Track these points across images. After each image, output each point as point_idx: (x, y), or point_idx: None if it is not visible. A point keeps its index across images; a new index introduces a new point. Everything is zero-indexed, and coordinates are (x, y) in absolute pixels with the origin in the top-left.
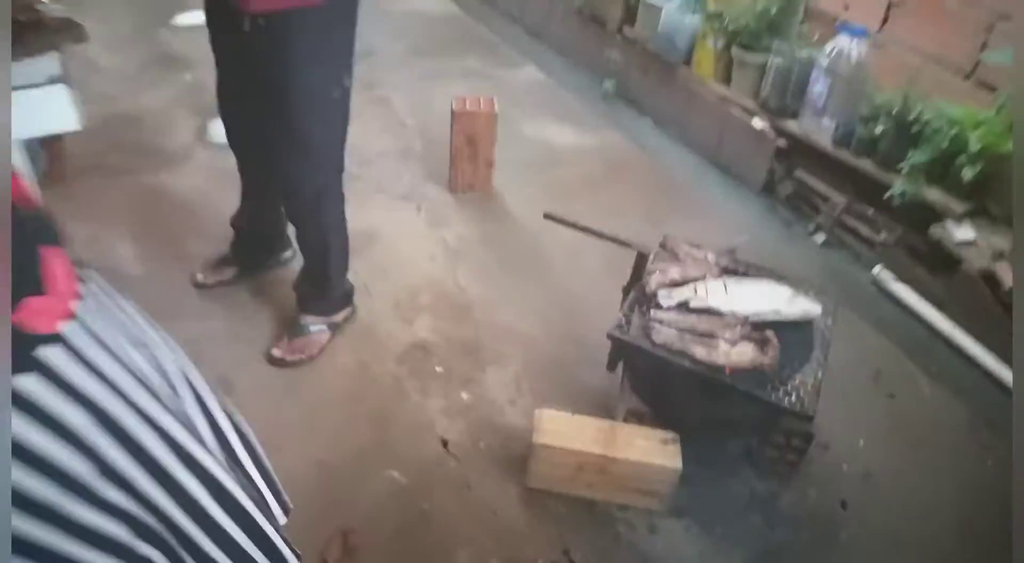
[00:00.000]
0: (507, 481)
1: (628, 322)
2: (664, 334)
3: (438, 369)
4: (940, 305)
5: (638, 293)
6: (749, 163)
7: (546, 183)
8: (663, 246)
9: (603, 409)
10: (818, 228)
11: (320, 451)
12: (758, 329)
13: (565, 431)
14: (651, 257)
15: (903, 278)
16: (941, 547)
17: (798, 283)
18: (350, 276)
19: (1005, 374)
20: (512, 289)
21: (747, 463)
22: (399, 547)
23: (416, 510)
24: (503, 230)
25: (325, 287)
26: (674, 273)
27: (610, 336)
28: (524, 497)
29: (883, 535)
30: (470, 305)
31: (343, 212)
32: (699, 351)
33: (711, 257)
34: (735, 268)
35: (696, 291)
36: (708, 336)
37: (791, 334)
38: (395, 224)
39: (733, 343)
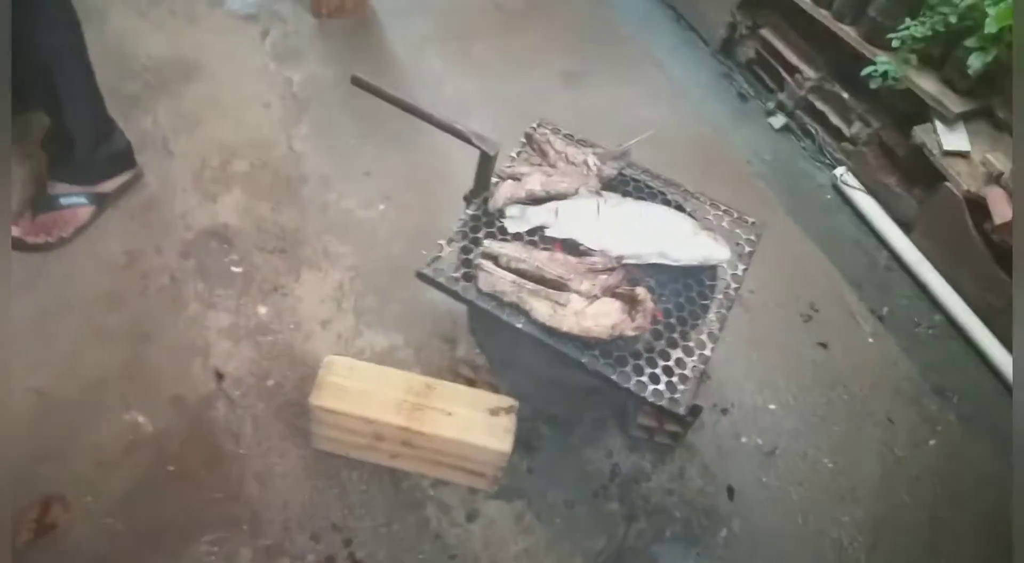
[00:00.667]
0: (291, 439)
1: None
2: (493, 280)
3: (235, 269)
4: (908, 228)
5: (478, 210)
6: (708, 11)
7: (443, 12)
8: (529, 139)
9: (448, 343)
10: (779, 108)
11: (44, 376)
12: (631, 279)
13: (359, 388)
14: (514, 155)
15: (869, 187)
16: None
17: (711, 209)
18: (147, 124)
19: (974, 325)
20: (365, 161)
21: (614, 427)
22: (123, 524)
23: (159, 472)
24: (373, 74)
25: (73, 148)
26: (534, 183)
27: (420, 276)
28: (309, 463)
29: (772, 540)
30: (302, 179)
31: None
32: (540, 308)
33: (593, 161)
34: (623, 182)
35: (558, 213)
36: (558, 285)
37: (681, 285)
38: (226, 54)
39: (590, 298)
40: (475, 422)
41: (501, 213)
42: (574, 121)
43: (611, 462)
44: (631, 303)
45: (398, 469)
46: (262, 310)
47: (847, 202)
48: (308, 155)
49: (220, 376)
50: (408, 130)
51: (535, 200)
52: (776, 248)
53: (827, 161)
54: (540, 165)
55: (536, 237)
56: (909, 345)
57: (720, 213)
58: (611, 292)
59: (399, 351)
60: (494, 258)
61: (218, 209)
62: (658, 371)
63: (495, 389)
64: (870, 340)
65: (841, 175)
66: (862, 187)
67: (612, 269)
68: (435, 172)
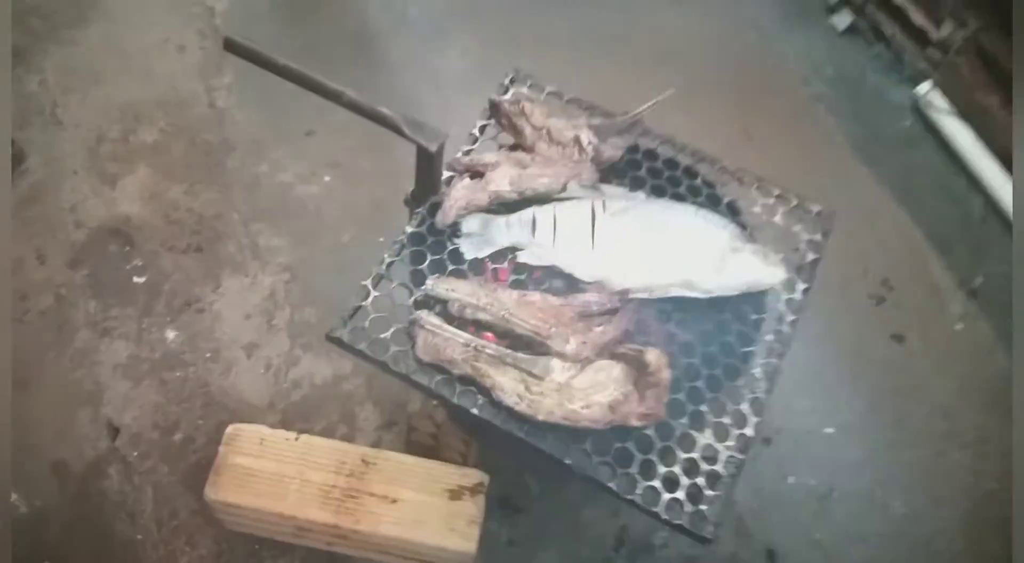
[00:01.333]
0: (202, 515)
1: (396, 293)
2: (438, 342)
3: (138, 279)
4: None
5: (421, 225)
6: None
7: None
8: (496, 111)
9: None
10: (844, 3)
11: None
12: (641, 325)
13: (272, 471)
14: (477, 132)
15: (962, 110)
16: None
17: (759, 194)
18: (33, 85)
19: None
20: (307, 116)
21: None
22: None
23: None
24: None
25: None
26: (501, 180)
27: (332, 340)
28: (225, 548)
29: None
30: (226, 147)
31: None
32: (506, 384)
33: (588, 139)
34: (632, 164)
35: (535, 226)
36: (533, 344)
37: (714, 326)
38: None
39: (579, 363)
40: (428, 512)
41: (454, 230)
42: (573, 40)
43: (618, 524)
44: (639, 369)
45: (338, 554)
46: (170, 335)
47: (931, 130)
48: (234, 113)
49: (114, 431)
50: (365, 68)
51: (504, 205)
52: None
53: (906, 74)
54: (513, 149)
55: (504, 265)
56: (1009, 330)
57: (771, 201)
58: (610, 352)
59: (346, 382)
60: (440, 305)
61: (117, 196)
62: (676, 469)
63: (465, 444)
64: (958, 326)
65: (925, 93)
66: (952, 110)
67: (613, 311)
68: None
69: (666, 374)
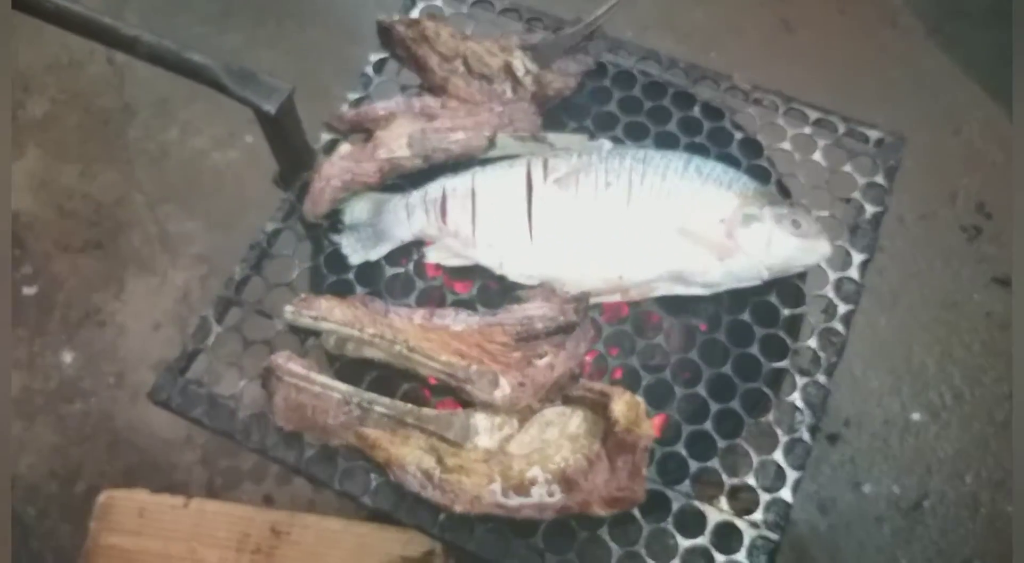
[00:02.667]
0: None
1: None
2: (303, 400)
3: (28, 290)
4: None
5: (286, 217)
6: None
7: None
8: (388, 34)
9: None
10: None
11: None
12: (616, 343)
13: (156, 552)
14: (371, 72)
15: None
16: None
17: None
18: None
19: None
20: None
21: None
22: None
23: None
24: None
25: None
26: (396, 140)
27: (157, 401)
28: None
29: None
30: (127, 112)
31: None
32: (407, 458)
33: (523, 66)
34: (598, 96)
35: (446, 205)
36: (449, 390)
37: (726, 335)
38: None
39: (515, 417)
40: None
41: (333, 222)
42: None
43: None
44: (605, 419)
45: None
46: (67, 357)
47: None
48: (136, 69)
49: None
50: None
51: (406, 178)
52: (910, 106)
53: None
54: (416, 93)
55: (406, 268)
56: None
57: (807, 130)
58: (564, 395)
59: None
60: (310, 337)
61: None
62: None
63: None
64: None
65: None
66: None
67: (566, 329)
68: (338, 58)
69: (645, 431)
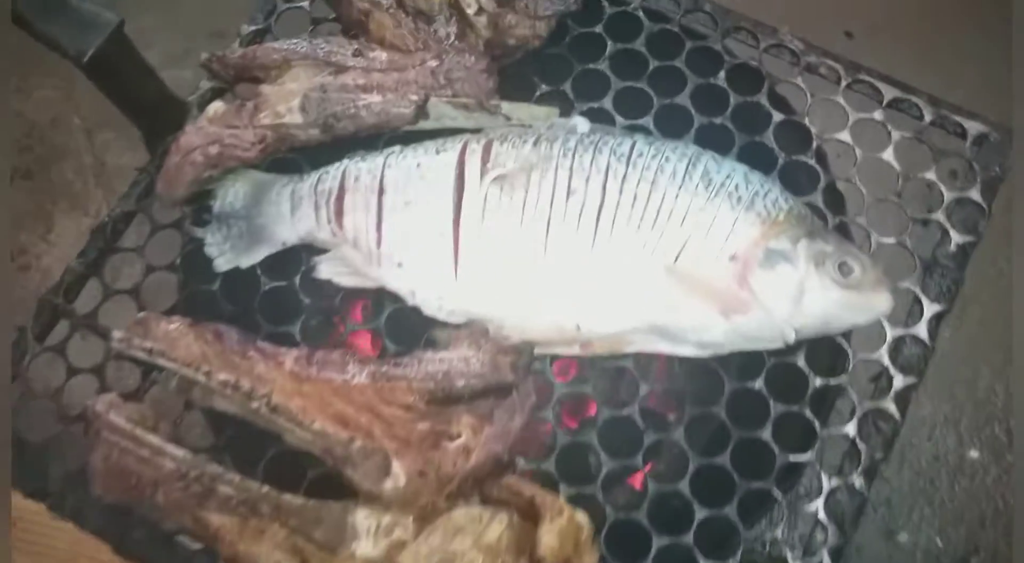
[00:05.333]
0: None
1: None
2: (125, 462)
3: None
4: None
5: (143, 198)
6: None
7: None
8: None
9: None
10: None
11: None
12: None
13: None
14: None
15: None
16: None
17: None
18: None
19: None
20: None
21: None
22: None
23: None
24: None
25: None
26: (285, 101)
27: None
28: None
29: None
30: None
31: None
32: (257, 557)
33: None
34: (581, 51)
35: (344, 199)
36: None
37: (728, 412)
38: None
39: (416, 512)
40: None
41: (199, 210)
42: None
43: None
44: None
45: None
46: None
47: None
48: None
49: None
50: None
51: (302, 153)
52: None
53: None
54: (329, 32)
55: (290, 282)
56: None
57: (878, 116)
58: (483, 492)
59: None
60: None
61: None
62: None
63: None
64: None
65: None
66: None
67: (500, 388)
68: None
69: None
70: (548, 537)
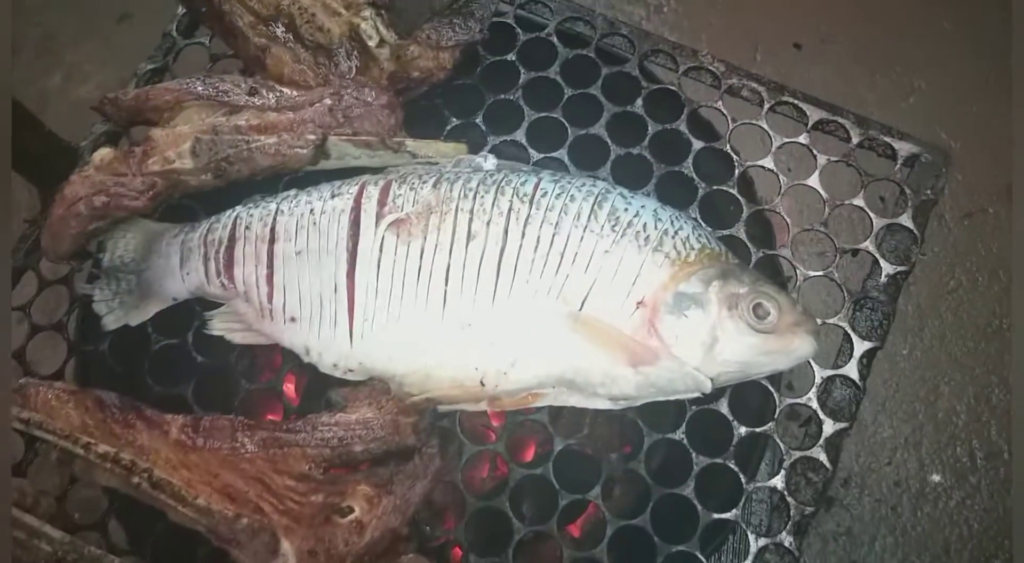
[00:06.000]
0: None
1: None
2: None
3: None
4: None
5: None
6: None
7: None
8: None
9: None
10: None
11: None
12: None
13: None
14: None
15: None
16: None
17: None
18: None
19: None
20: None
21: None
22: None
23: None
24: None
25: None
26: (175, 144)
27: None
28: None
29: None
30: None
31: None
32: None
33: (373, 29)
34: (493, 80)
35: (236, 249)
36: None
37: (649, 452)
38: None
39: None
40: None
41: (90, 262)
42: None
43: None
44: None
45: None
46: None
47: None
48: None
49: None
50: None
51: (196, 199)
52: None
53: None
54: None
55: (181, 339)
56: None
57: (803, 139)
58: None
59: None
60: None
61: None
62: None
63: None
64: None
65: None
66: None
67: (402, 452)
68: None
69: None
70: None
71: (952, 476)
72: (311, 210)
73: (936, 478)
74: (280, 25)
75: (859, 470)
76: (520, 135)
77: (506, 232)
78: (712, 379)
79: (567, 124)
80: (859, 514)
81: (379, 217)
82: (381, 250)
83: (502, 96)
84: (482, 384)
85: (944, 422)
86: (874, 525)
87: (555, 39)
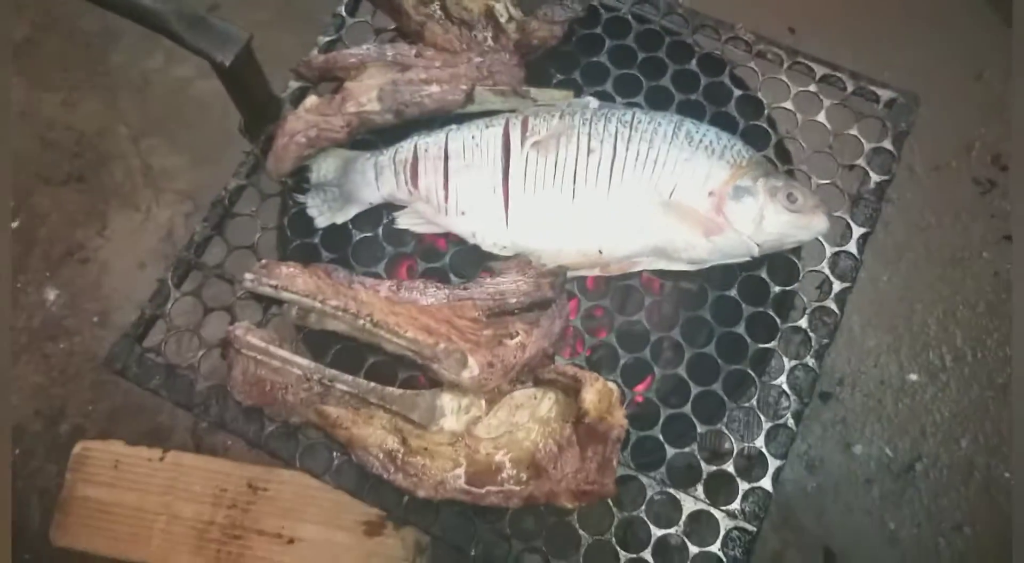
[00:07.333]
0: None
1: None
2: (261, 374)
3: (11, 225)
4: None
5: (253, 172)
6: None
7: None
8: None
9: None
10: None
11: None
12: (590, 323)
13: (130, 505)
14: (343, 12)
15: None
16: None
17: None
18: None
19: None
20: None
21: None
22: None
23: None
24: None
25: None
26: (365, 93)
27: (112, 368)
28: None
29: None
30: (110, 35)
31: None
32: (369, 438)
33: (506, 10)
34: (586, 45)
35: (419, 168)
36: (415, 365)
37: (711, 311)
38: None
39: (483, 397)
40: (337, 554)
41: (299, 181)
42: None
43: None
44: (577, 405)
45: None
46: (51, 295)
47: None
48: None
49: None
50: None
51: (378, 134)
52: (937, 41)
53: None
54: (391, 38)
55: (375, 233)
56: None
57: (812, 88)
58: (536, 376)
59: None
60: (273, 305)
61: None
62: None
63: None
64: None
65: None
66: None
67: (541, 305)
68: None
69: (618, 420)
70: (589, 396)
71: (926, 375)
72: (472, 136)
73: (913, 377)
74: (435, 6)
75: (850, 372)
76: (608, 86)
77: (615, 147)
78: (759, 245)
79: (642, 78)
80: (851, 407)
81: (523, 140)
82: (526, 162)
83: (593, 58)
84: (600, 253)
85: (918, 332)
86: (863, 415)
87: (629, 17)
